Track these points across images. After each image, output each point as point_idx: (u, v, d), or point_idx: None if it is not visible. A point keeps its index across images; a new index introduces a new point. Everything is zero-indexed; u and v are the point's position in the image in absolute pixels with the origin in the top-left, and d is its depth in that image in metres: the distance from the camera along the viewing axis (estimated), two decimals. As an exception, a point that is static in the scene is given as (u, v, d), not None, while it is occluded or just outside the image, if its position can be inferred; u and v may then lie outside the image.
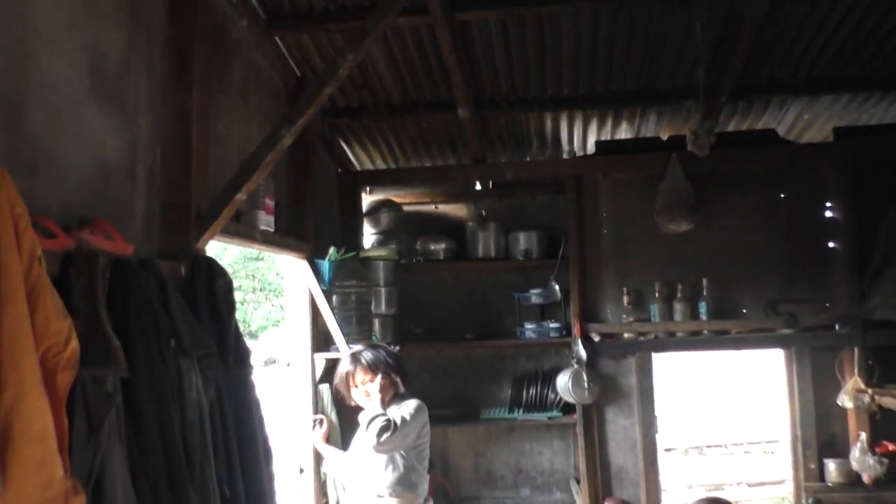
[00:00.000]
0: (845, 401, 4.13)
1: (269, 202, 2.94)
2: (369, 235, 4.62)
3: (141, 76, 2.07)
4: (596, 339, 4.38)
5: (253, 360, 2.52)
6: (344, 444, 3.35)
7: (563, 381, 4.33)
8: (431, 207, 4.90)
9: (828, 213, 4.34)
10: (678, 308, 4.30)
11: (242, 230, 2.75)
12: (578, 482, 4.47)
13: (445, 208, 4.90)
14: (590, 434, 4.40)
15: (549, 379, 4.48)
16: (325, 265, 3.51)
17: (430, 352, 4.66)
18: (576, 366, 4.30)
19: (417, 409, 3.08)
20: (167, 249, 2.12)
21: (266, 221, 2.92)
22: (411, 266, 4.54)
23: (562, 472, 4.68)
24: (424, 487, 3.13)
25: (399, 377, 3.14)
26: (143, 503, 1.57)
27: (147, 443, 1.63)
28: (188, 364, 1.84)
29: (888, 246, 4.05)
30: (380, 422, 2.87)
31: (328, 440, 3.37)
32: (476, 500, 4.71)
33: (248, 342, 4.59)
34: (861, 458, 4.08)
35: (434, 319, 4.65)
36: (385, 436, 2.84)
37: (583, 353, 4.28)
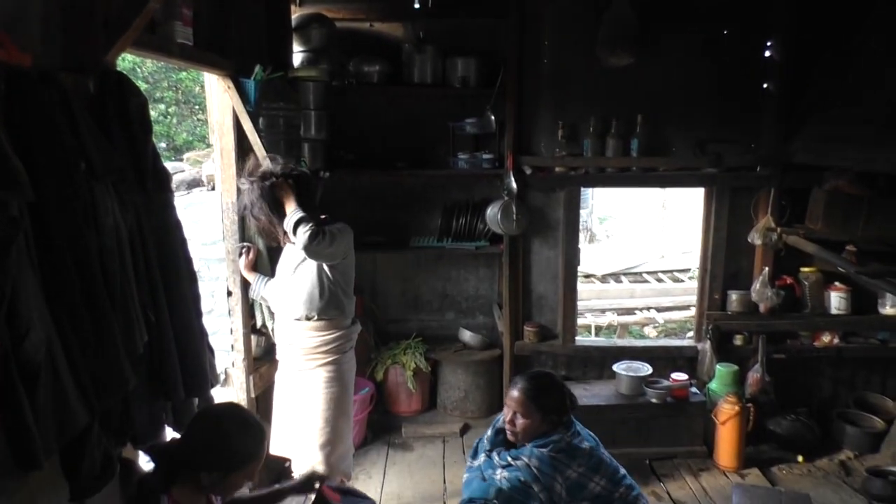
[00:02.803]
0: (755, 238, 4.37)
1: (187, 12, 2.66)
2: (298, 53, 4.34)
3: None
4: (528, 171, 4.40)
5: (173, 183, 2.42)
6: (272, 270, 3.36)
7: (492, 212, 4.40)
8: (366, 25, 4.60)
9: (767, 53, 4.32)
10: (611, 144, 4.32)
11: (158, 42, 2.51)
12: (501, 308, 4.70)
13: (381, 27, 4.60)
14: (514, 263, 4.56)
15: (479, 210, 4.54)
16: (250, 84, 3.29)
17: (362, 179, 4.61)
18: (506, 198, 4.35)
19: (346, 227, 3.11)
20: (71, 62, 1.92)
21: (184, 34, 2.67)
22: (343, 88, 4.34)
23: (486, 298, 4.90)
24: (351, 309, 3.22)
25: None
26: (62, 330, 1.55)
27: (62, 269, 1.57)
28: (102, 189, 1.74)
29: (817, 91, 4.11)
30: (310, 227, 2.88)
31: (255, 267, 3.37)
32: (403, 322, 4.92)
33: (171, 162, 4.42)
34: (761, 290, 4.41)
35: (366, 146, 4.54)
36: (318, 240, 2.89)
37: (514, 185, 4.32)
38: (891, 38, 3.55)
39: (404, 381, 4.63)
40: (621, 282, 9.65)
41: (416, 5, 4.32)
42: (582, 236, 12.34)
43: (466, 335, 4.78)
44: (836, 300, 4.51)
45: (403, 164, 4.49)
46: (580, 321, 7.26)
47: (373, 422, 4.58)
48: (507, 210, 4.33)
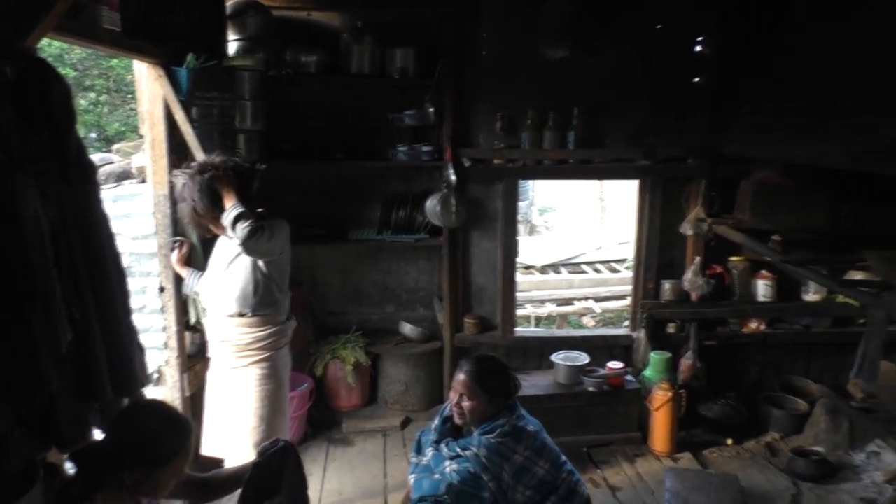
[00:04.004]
0: (687, 228, 4.51)
1: (114, -5, 2.57)
2: (233, 42, 4.23)
3: None
4: (467, 163, 4.41)
5: (100, 174, 2.33)
6: (206, 265, 3.27)
7: (432, 204, 4.40)
8: (303, 14, 4.53)
9: (698, 48, 4.43)
10: (548, 136, 4.37)
11: (82, 28, 2.40)
12: (441, 300, 4.71)
13: (318, 16, 4.52)
14: (454, 256, 4.58)
15: (418, 202, 4.54)
16: (182, 73, 3.19)
17: (300, 170, 4.52)
18: (445, 190, 4.36)
19: (283, 223, 3.06)
20: (-14, 47, 1.82)
21: (111, 19, 2.57)
22: (280, 78, 4.25)
23: (426, 291, 4.90)
24: (286, 305, 3.17)
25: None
26: (-23, 328, 1.47)
27: (-23, 265, 1.49)
28: (22, 180, 1.65)
29: (745, 85, 4.24)
30: (249, 223, 2.81)
31: (189, 262, 3.28)
32: (342, 316, 4.88)
33: (100, 153, 4.26)
34: (692, 279, 4.55)
35: (304, 136, 4.46)
36: (257, 236, 2.82)
37: (453, 177, 4.33)
38: (813, 34, 3.69)
39: (344, 375, 4.59)
40: (560, 273, 9.79)
41: (355, -5, 4.28)
42: (522, 228, 12.49)
43: (407, 328, 4.77)
44: (763, 288, 4.69)
45: (342, 155, 4.44)
46: (521, 312, 7.35)
47: (312, 418, 4.53)
48: (447, 202, 4.34)
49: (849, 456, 4.16)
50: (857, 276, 3.89)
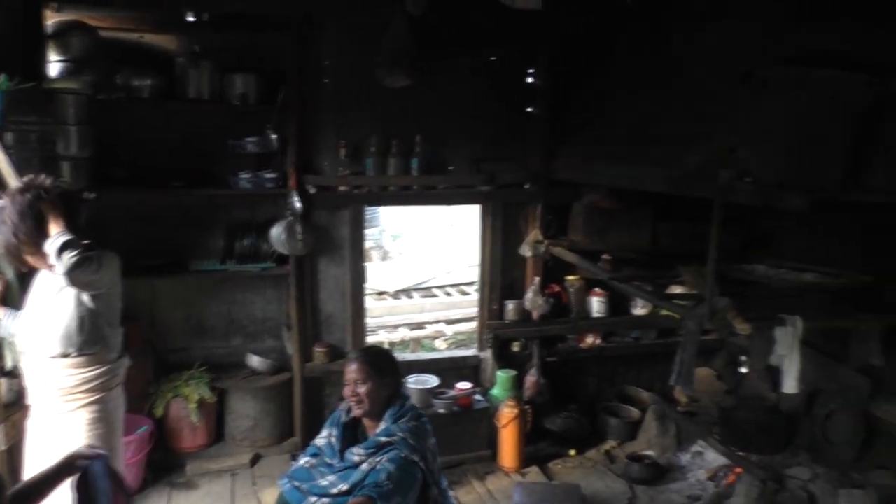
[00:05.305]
0: (526, 250, 4.76)
1: None
2: (57, 63, 3.94)
3: None
4: (312, 190, 4.39)
5: None
6: (23, 303, 3.00)
7: (277, 232, 4.32)
8: (135, 37, 4.32)
9: (530, 80, 4.71)
10: (392, 163, 4.45)
11: None
12: (290, 329, 4.61)
13: (152, 39, 4.33)
14: (302, 284, 4.51)
15: (263, 230, 4.44)
16: (-7, 95, 2.95)
17: (135, 199, 4.28)
18: (290, 217, 4.30)
19: (113, 255, 2.87)
20: None
21: None
22: (111, 102, 4.02)
23: (274, 321, 4.78)
24: (117, 342, 2.96)
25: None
26: None
27: None
28: None
29: (575, 114, 4.57)
30: (77, 252, 2.58)
31: (3, 300, 2.99)
32: (185, 351, 4.64)
33: None
34: (533, 299, 4.79)
35: (140, 163, 4.22)
36: (85, 266, 2.60)
37: (297, 204, 4.29)
38: (630, 68, 4.06)
39: (187, 414, 4.35)
40: (413, 297, 9.90)
41: (191, 18, 4.14)
42: (376, 254, 12.49)
43: (254, 360, 4.62)
44: (597, 304, 5.03)
45: (181, 183, 4.24)
46: (374, 338, 7.32)
47: (153, 462, 4.24)
48: (292, 230, 4.28)
49: (676, 457, 4.53)
50: (678, 289, 4.28)
